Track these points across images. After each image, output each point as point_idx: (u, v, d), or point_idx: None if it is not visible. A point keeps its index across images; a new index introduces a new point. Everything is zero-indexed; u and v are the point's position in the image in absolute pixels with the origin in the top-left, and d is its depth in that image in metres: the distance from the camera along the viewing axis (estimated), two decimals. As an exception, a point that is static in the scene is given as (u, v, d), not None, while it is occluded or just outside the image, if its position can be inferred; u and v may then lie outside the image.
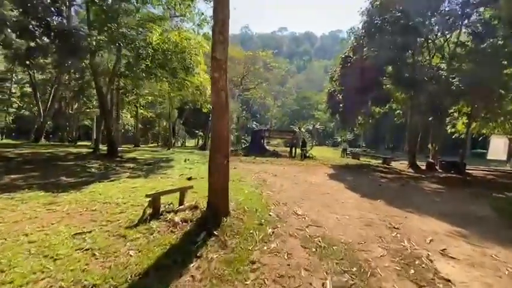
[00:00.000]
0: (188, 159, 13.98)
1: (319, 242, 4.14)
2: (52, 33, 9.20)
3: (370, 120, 21.70)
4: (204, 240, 3.55)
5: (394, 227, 5.20)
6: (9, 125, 33.81)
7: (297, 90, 76.84)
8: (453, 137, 21.52)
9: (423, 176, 14.39)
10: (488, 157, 21.70)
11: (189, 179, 8.14)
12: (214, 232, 3.81)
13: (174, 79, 13.05)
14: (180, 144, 38.93)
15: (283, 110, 74.22)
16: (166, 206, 4.73)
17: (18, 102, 32.75)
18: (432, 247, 4.36)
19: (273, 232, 4.34)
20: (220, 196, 4.25)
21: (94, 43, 9.76)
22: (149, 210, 4.26)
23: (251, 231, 4.17)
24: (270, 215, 5.30)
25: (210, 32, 9.72)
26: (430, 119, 13.88)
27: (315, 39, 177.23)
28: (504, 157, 21.34)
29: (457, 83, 11.20)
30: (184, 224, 3.90)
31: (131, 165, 10.99)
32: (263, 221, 4.78)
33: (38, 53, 9.74)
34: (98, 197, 5.44)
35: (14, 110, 32.62)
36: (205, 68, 13.77)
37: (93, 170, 9.00)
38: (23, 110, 34.98)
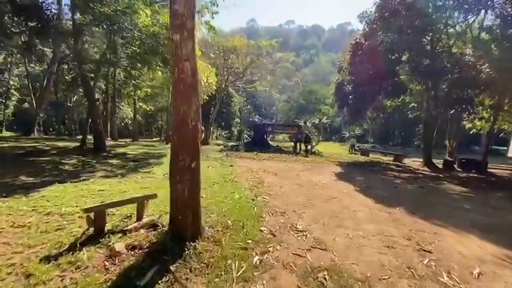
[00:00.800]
0: (182, 155, 12.90)
1: (325, 278, 2.92)
2: (23, 13, 8.05)
3: (382, 115, 20.25)
4: (151, 284, 2.36)
5: (425, 250, 3.94)
6: (9, 118, 33.27)
7: (304, 84, 74.97)
8: (471, 132, 19.94)
9: (441, 175, 12.97)
10: (509, 154, 19.95)
11: (173, 179, 6.96)
12: (172, 267, 2.62)
13: (167, 67, 11.79)
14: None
15: (289, 104, 72.55)
16: (122, 221, 3.57)
17: (17, 94, 32.13)
18: (484, 286, 3.10)
19: (260, 261, 3.13)
20: (186, 212, 3.04)
21: (69, 23, 8.59)
22: (91, 229, 3.09)
23: (229, 262, 2.97)
24: (261, 230, 4.10)
25: (211, 21, 8.36)
26: (451, 112, 12.36)
27: (322, 32, 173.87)
28: (527, 155, 19.59)
29: (487, 69, 9.67)
30: (130, 253, 2.72)
31: (115, 161, 9.90)
32: (250, 242, 3.57)
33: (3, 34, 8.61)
34: (43, 205, 4.30)
35: (14, 102, 32.03)
36: (199, 53, 12.33)
37: (66, 167, 7.91)
38: (26, 103, 34.43)
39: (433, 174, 13.22)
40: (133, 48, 10.68)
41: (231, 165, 10.56)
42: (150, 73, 13.58)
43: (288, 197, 6.32)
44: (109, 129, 20.90)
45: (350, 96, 13.88)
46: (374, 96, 13.13)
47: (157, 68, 12.78)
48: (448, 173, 13.81)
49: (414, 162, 19.07)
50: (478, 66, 10.19)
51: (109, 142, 19.01)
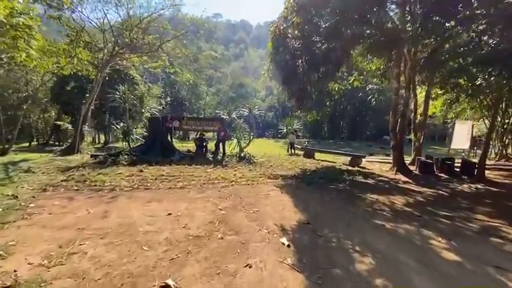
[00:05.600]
0: None
1: None
2: None
3: (329, 102, 14.97)
4: None
5: None
6: None
7: (233, 76, 68.73)
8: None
9: (444, 192, 7.97)
10: (452, 146, 17.37)
11: None
12: None
13: None
14: (89, 144, 25.52)
15: (218, 98, 65.03)
16: None
17: None
18: None
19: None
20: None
21: None
22: None
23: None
24: None
25: None
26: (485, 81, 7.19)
27: (250, 28, 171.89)
28: (467, 145, 17.49)
29: None
30: None
31: None
32: None
33: None
34: None
35: None
36: None
37: None
38: None
39: (424, 190, 8.07)
40: None
41: None
42: None
43: None
44: None
45: (300, 60, 7.46)
46: (344, 55, 6.98)
47: None
48: (441, 183, 9.07)
49: (370, 162, 14.53)
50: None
51: None
